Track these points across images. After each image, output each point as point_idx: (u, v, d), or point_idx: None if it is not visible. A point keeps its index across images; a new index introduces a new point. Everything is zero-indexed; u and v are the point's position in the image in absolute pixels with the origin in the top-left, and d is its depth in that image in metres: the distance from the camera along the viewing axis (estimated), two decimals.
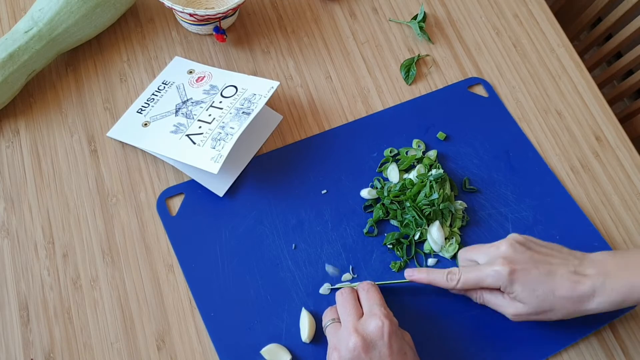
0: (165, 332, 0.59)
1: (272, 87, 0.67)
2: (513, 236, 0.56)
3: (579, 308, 0.54)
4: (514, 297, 0.54)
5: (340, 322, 0.55)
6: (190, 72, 0.72)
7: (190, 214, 0.65)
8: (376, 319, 0.51)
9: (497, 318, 0.58)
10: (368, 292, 0.55)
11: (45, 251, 0.62)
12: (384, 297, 0.56)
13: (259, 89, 0.68)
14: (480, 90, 0.76)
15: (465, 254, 0.59)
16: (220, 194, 0.66)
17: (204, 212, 0.65)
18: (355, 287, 0.58)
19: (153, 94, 0.71)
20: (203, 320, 0.60)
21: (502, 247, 0.55)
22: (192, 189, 0.66)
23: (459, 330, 0.60)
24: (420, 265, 0.63)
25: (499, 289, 0.55)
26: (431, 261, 0.64)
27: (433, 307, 0.61)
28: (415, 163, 0.69)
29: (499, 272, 0.54)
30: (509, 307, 0.55)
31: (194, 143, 0.64)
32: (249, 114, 0.65)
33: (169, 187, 0.66)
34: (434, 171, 0.67)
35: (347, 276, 0.62)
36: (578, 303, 0.53)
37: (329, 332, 0.55)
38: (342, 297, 0.56)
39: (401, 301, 0.61)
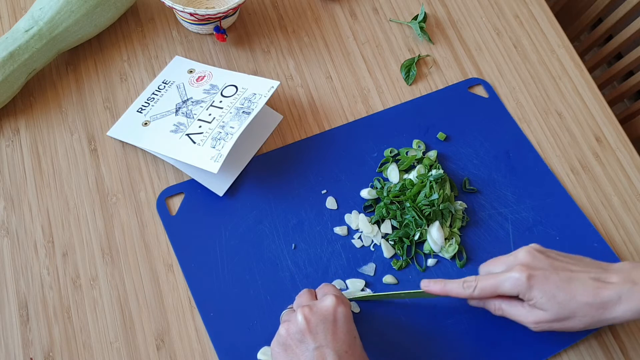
0: (165, 331, 0.59)
1: (272, 87, 0.67)
2: (532, 245, 0.56)
3: (603, 316, 0.52)
4: (534, 304, 0.53)
5: None
6: (191, 71, 0.72)
7: (190, 213, 0.65)
8: (329, 298, 0.52)
9: (494, 320, 0.58)
10: (323, 287, 0.56)
11: (45, 250, 0.62)
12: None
13: (259, 88, 0.68)
14: (480, 91, 0.76)
15: (484, 267, 0.58)
16: (220, 193, 0.66)
17: (204, 211, 0.65)
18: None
19: (153, 94, 0.71)
20: (202, 320, 0.60)
21: (520, 254, 0.54)
22: (192, 189, 0.66)
23: (457, 333, 0.60)
24: (420, 266, 0.63)
25: (517, 298, 0.54)
26: (431, 262, 0.64)
27: (429, 313, 0.61)
28: (415, 163, 0.69)
29: (517, 277, 0.52)
30: (528, 315, 0.53)
31: (194, 142, 0.64)
32: (249, 113, 0.65)
33: (169, 186, 0.66)
34: (434, 171, 0.67)
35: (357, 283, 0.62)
36: (601, 309, 0.52)
37: (284, 315, 0.56)
38: (300, 293, 0.56)
39: (394, 312, 0.61)
